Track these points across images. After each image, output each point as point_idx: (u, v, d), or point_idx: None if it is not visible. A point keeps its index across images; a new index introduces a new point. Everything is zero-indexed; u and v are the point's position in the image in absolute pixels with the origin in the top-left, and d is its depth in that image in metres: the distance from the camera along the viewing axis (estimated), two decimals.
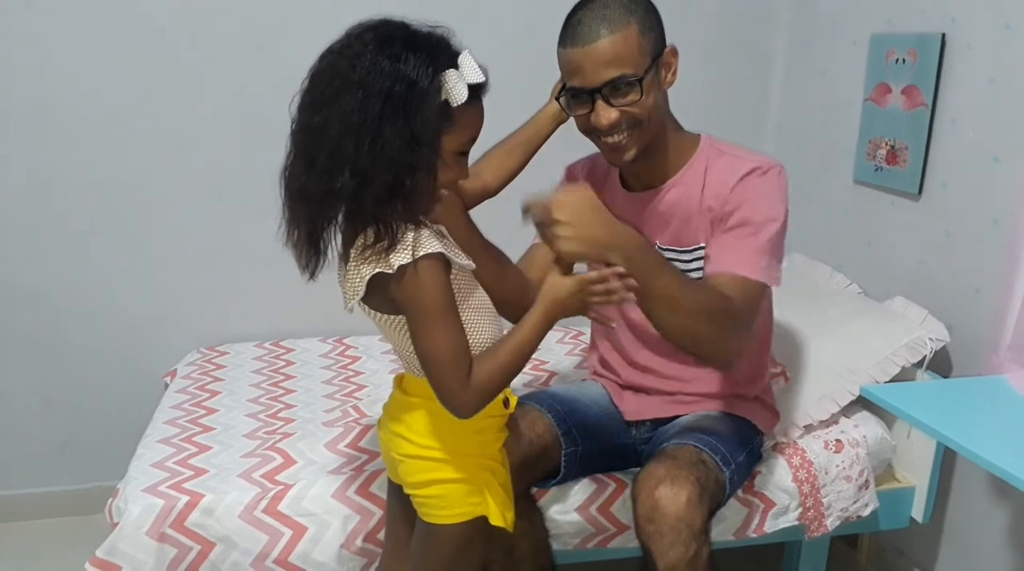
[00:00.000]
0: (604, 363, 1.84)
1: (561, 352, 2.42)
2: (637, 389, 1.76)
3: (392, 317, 1.24)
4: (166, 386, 2.23)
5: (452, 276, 1.22)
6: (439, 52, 1.15)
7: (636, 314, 1.68)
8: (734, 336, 1.44)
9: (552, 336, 2.52)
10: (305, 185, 1.16)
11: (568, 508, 1.71)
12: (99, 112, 2.27)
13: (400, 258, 1.15)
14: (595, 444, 1.70)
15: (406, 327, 1.22)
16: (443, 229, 1.26)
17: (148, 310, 2.43)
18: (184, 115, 2.32)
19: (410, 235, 1.17)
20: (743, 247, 1.48)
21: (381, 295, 1.20)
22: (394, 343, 1.30)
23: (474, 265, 1.28)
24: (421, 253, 1.16)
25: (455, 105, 1.15)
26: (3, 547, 2.34)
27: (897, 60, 2.10)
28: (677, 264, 1.57)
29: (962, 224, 1.96)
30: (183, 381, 2.18)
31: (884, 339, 1.95)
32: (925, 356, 1.92)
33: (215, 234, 2.41)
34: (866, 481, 1.87)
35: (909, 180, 2.08)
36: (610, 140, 1.48)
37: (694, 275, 1.56)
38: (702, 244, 1.57)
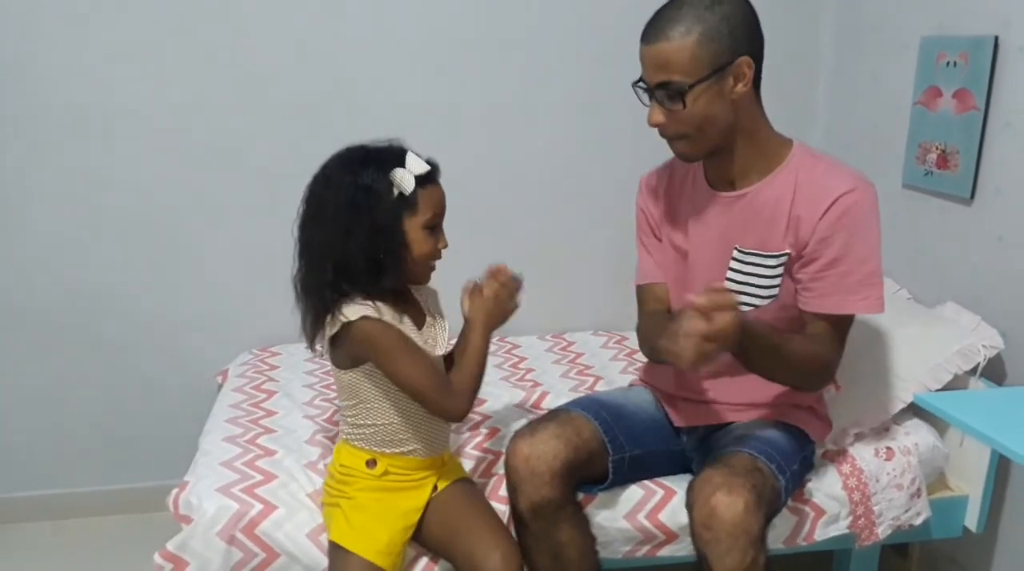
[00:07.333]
0: (652, 371, 1.84)
1: (606, 357, 2.42)
2: (687, 398, 1.76)
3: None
4: (218, 386, 2.29)
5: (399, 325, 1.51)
6: (387, 158, 1.44)
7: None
8: (828, 376, 1.61)
9: (596, 341, 2.55)
10: (307, 282, 1.51)
11: (616, 515, 1.71)
12: (156, 120, 2.34)
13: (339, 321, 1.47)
14: (643, 450, 1.71)
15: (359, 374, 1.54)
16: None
17: (200, 311, 2.49)
18: (239, 124, 2.38)
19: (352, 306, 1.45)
20: (839, 286, 1.53)
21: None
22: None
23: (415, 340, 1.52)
24: (356, 316, 1.44)
25: (407, 194, 1.42)
26: (67, 543, 2.43)
27: (948, 63, 2.07)
28: (760, 268, 1.59)
29: (1017, 229, 1.93)
30: (238, 380, 2.23)
31: (936, 345, 1.92)
32: (979, 363, 1.89)
33: (265, 237, 2.46)
34: (918, 489, 1.84)
35: (961, 184, 2.06)
36: (665, 139, 1.52)
37: (776, 280, 1.58)
38: (787, 251, 1.56)
